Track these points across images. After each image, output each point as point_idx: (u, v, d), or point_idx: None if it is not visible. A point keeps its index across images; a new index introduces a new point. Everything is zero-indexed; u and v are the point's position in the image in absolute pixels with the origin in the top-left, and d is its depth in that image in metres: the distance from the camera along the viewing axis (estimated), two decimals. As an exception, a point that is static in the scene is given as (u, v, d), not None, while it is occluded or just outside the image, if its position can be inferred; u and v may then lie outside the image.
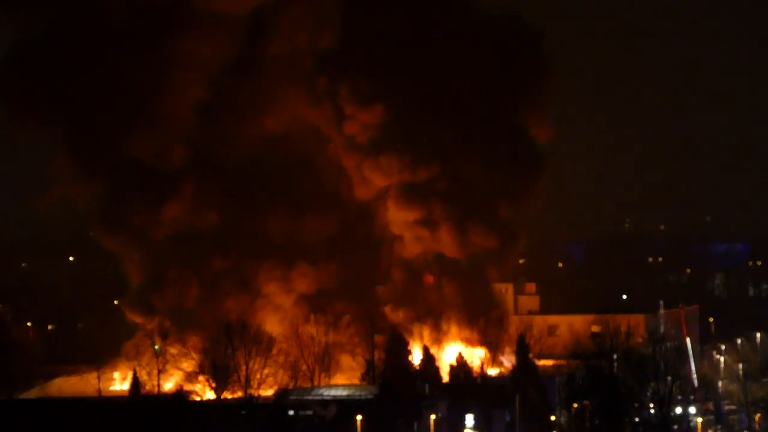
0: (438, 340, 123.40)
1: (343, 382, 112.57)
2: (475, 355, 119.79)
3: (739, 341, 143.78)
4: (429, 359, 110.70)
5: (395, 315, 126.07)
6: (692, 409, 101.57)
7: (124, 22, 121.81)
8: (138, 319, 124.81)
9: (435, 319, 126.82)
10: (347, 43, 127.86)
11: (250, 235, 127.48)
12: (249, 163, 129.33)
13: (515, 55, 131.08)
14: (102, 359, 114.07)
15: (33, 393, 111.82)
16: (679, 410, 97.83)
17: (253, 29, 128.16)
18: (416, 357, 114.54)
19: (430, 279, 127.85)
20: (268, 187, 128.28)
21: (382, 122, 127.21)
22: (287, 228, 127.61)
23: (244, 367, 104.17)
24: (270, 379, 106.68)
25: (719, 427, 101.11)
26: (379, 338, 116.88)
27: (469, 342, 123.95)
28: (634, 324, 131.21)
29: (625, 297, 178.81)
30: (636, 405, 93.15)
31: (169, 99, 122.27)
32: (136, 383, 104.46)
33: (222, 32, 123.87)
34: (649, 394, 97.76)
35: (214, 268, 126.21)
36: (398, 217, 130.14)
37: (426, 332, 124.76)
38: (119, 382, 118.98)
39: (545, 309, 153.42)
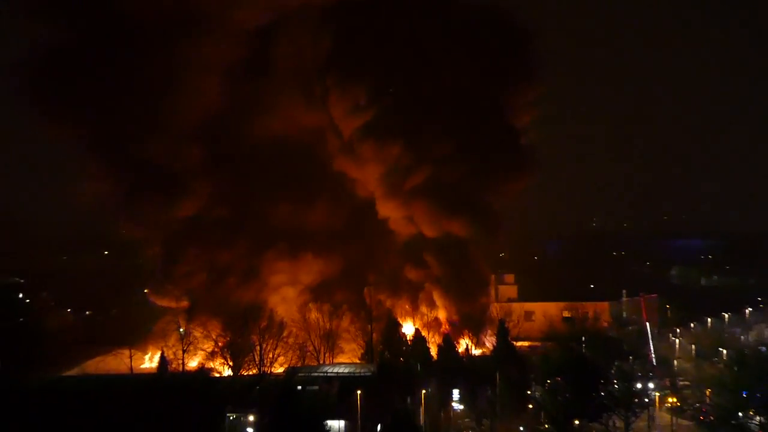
0: (428, 323, 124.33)
1: (345, 361, 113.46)
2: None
3: (692, 325, 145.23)
4: (420, 342, 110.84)
5: (390, 301, 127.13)
6: (651, 385, 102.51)
7: (143, 35, 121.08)
8: (164, 304, 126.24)
9: (425, 305, 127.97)
10: (338, 50, 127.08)
11: (259, 228, 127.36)
12: (258, 161, 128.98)
13: (501, 57, 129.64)
14: (133, 341, 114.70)
15: (73, 371, 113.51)
16: (639, 385, 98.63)
17: (261, 35, 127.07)
18: (407, 332, 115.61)
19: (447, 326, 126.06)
20: (275, 183, 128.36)
21: (369, 126, 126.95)
22: (294, 222, 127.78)
23: (258, 348, 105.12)
24: (281, 359, 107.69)
25: (674, 400, 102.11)
26: (376, 324, 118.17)
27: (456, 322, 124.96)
28: (600, 310, 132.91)
29: (592, 286, 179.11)
30: (602, 381, 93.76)
31: (183, 104, 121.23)
32: (163, 362, 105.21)
33: (232, 38, 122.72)
34: (613, 371, 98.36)
35: (226, 259, 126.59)
36: (387, 214, 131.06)
37: (417, 317, 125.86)
38: (148, 361, 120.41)
39: (523, 297, 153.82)
